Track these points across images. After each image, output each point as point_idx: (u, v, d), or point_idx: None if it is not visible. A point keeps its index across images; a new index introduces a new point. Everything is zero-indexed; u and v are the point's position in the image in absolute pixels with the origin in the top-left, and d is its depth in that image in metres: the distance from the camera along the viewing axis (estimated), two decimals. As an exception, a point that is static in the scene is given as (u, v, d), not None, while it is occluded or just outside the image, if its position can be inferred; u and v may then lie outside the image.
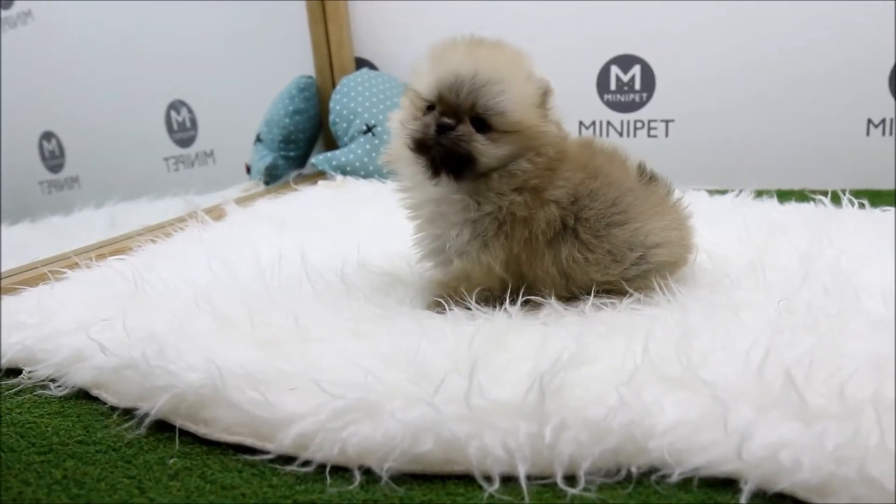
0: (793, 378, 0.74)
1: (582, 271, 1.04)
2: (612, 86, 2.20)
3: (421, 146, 1.00)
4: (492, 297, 1.05)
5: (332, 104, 2.16)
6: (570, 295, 1.06)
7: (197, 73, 2.61)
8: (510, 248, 1.03)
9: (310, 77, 2.30)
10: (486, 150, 0.98)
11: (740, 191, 1.69)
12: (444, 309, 1.03)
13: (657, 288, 1.04)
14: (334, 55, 2.24)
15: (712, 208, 1.58)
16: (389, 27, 2.34)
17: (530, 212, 1.02)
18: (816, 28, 2.02)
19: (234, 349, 0.91)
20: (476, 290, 1.03)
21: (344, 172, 2.07)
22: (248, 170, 2.28)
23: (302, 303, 1.05)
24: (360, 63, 2.37)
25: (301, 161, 2.29)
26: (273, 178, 2.17)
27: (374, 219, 1.39)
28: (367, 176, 2.06)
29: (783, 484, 0.67)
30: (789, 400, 0.73)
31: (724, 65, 2.10)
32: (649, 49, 2.15)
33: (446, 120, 0.98)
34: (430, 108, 1.01)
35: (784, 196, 1.70)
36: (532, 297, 1.03)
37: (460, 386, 0.77)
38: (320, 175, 2.13)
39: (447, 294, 1.05)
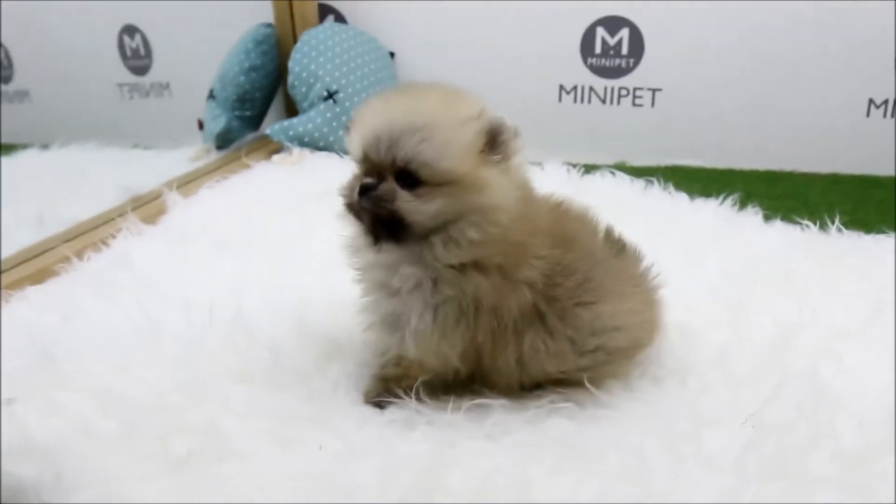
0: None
1: (539, 362, 0.94)
2: (598, 49, 2.03)
3: (351, 210, 0.89)
4: (438, 388, 0.96)
5: (290, 64, 1.98)
6: (520, 387, 0.97)
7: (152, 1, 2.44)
8: (472, 337, 0.92)
9: (269, 26, 2.11)
10: (413, 206, 0.85)
11: (724, 197, 1.57)
12: (384, 404, 0.95)
13: (614, 375, 0.97)
14: (295, 3, 2.04)
15: (691, 228, 1.47)
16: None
17: (500, 299, 0.90)
18: (818, 1, 1.86)
19: (140, 472, 0.83)
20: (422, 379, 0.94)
21: (301, 143, 1.92)
22: (201, 126, 2.13)
23: (225, 392, 0.95)
24: (325, 11, 2.17)
25: (257, 121, 2.14)
26: (226, 142, 2.03)
27: (327, 230, 1.28)
28: (326, 148, 1.92)
29: None
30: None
31: (720, 34, 1.94)
32: (640, 11, 1.98)
33: (367, 180, 0.86)
34: None
35: (770, 194, 1.60)
36: (479, 400, 0.94)
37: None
38: (276, 145, 1.98)
39: (391, 387, 0.96)
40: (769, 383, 0.98)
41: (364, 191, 0.86)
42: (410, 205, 0.85)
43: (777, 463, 0.84)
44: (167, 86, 2.55)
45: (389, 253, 0.91)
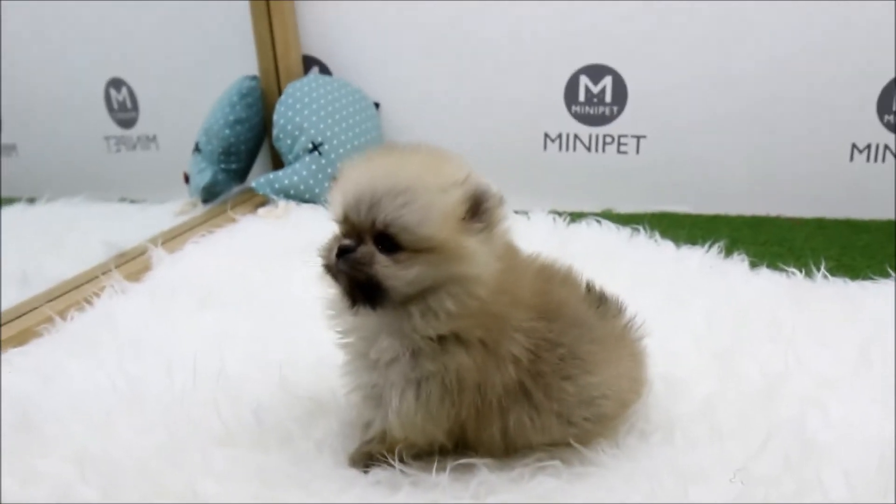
0: None
1: (524, 436, 0.92)
2: (581, 97, 2.05)
3: (329, 272, 0.87)
4: (424, 454, 0.95)
5: (275, 117, 1.99)
6: (506, 456, 0.96)
7: (138, 56, 2.48)
8: (457, 414, 0.90)
9: (254, 78, 2.13)
10: (390, 272, 0.83)
11: (710, 244, 1.58)
12: (368, 469, 0.93)
13: (602, 436, 0.95)
14: (280, 56, 2.06)
15: (676, 277, 1.48)
16: (342, 24, 2.16)
17: (483, 376, 0.88)
18: (802, 46, 1.89)
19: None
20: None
21: (287, 196, 1.92)
22: (187, 179, 2.13)
23: (207, 455, 0.94)
24: (310, 63, 2.20)
25: (243, 174, 2.15)
26: (212, 195, 2.03)
27: (312, 284, 1.28)
28: (311, 200, 1.93)
29: None
30: None
31: (702, 80, 1.97)
32: (622, 59, 2.01)
33: (345, 242, 0.84)
34: None
35: (756, 239, 1.60)
36: (464, 460, 0.93)
37: None
38: (262, 199, 1.99)
39: (377, 454, 0.94)
40: (756, 436, 0.97)
41: (342, 253, 0.84)
42: (388, 269, 0.83)
43: (764, 519, 0.84)
44: (154, 138, 2.56)
45: (367, 318, 0.89)
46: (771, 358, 1.16)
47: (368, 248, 0.83)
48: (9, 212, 2.14)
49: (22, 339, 1.25)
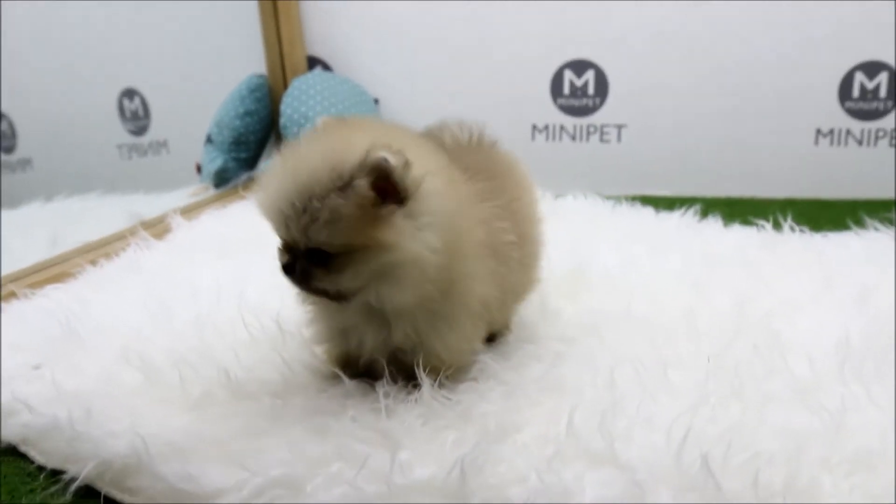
0: (710, 462, 0.75)
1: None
2: (566, 90, 2.19)
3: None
4: None
5: (282, 108, 2.12)
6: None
7: (150, 63, 2.58)
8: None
9: (261, 76, 2.26)
10: (329, 282, 0.85)
11: (687, 207, 1.70)
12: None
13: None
14: (286, 54, 2.20)
15: (656, 232, 1.59)
16: (343, 25, 2.30)
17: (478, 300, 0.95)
18: (768, 40, 2.03)
19: (161, 411, 0.91)
20: None
21: (293, 178, 2.04)
22: (199, 169, 2.25)
23: (235, 353, 1.03)
24: (313, 62, 2.33)
25: (252, 162, 2.26)
26: (223, 181, 2.14)
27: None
28: (317, 182, 2.04)
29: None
30: (706, 485, 0.74)
31: (676, 73, 2.10)
32: (603, 55, 2.14)
33: (284, 259, 0.86)
34: None
35: (730, 213, 1.72)
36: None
37: (383, 464, 0.78)
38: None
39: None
40: (728, 335, 1.08)
41: (286, 271, 0.86)
42: (324, 281, 0.85)
43: (735, 389, 0.93)
44: (165, 143, 2.66)
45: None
46: (742, 285, 1.27)
47: (302, 265, 0.84)
48: (26, 209, 2.21)
49: (58, 279, 1.34)
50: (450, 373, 0.95)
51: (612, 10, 2.09)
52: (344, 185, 0.80)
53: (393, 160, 0.79)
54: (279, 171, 0.84)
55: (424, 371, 0.92)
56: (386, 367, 0.93)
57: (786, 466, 0.76)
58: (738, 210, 1.85)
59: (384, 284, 0.85)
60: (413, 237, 0.82)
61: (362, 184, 0.80)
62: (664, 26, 2.08)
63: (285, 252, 0.86)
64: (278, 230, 0.85)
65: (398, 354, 0.94)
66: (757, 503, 0.73)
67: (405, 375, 0.94)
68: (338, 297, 0.87)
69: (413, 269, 0.84)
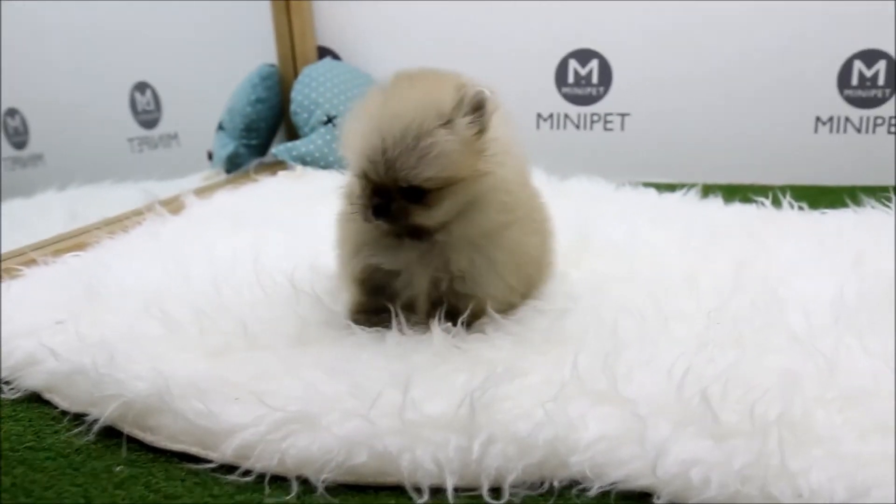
0: (708, 397, 0.78)
1: None
2: (570, 79, 2.23)
3: (367, 221, 0.95)
4: None
5: (293, 94, 2.17)
6: None
7: (162, 56, 2.61)
8: None
9: (272, 65, 2.31)
10: (426, 216, 0.92)
11: (688, 188, 1.73)
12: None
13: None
14: (297, 45, 2.25)
15: (658, 208, 1.63)
16: (353, 16, 2.35)
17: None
18: (768, 30, 2.07)
19: (181, 357, 0.95)
20: None
21: (304, 163, 2.08)
22: (211, 157, 2.29)
23: (252, 309, 1.07)
24: (323, 52, 2.38)
25: (262, 149, 2.30)
26: (234, 166, 2.18)
27: (329, 215, 1.41)
28: (326, 166, 2.08)
29: (693, 500, 0.70)
30: (704, 417, 0.77)
31: (679, 62, 2.14)
32: (607, 44, 2.19)
33: (377, 201, 0.91)
34: None
35: (731, 193, 1.75)
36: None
37: (395, 400, 0.81)
38: (281, 165, 2.14)
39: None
40: (728, 293, 1.11)
41: (377, 212, 0.91)
42: (423, 216, 0.92)
43: (734, 338, 0.97)
44: (175, 135, 2.70)
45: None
46: (742, 252, 1.30)
47: (399, 204, 0.91)
48: (40, 196, 2.25)
49: (78, 248, 1.38)
50: (497, 307, 1.02)
51: (616, 1, 2.13)
52: (447, 122, 0.88)
53: (488, 94, 0.90)
54: (375, 119, 0.90)
55: (468, 308, 0.99)
56: (426, 305, 1.01)
57: (780, 401, 0.79)
58: (738, 193, 1.88)
59: (472, 212, 0.94)
60: (498, 160, 0.93)
61: (464, 120, 0.89)
62: (667, 17, 2.12)
63: (374, 195, 0.91)
64: (373, 172, 0.90)
65: (443, 296, 1.01)
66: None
67: (446, 314, 1.00)
68: (420, 233, 0.95)
69: (499, 193, 0.94)
